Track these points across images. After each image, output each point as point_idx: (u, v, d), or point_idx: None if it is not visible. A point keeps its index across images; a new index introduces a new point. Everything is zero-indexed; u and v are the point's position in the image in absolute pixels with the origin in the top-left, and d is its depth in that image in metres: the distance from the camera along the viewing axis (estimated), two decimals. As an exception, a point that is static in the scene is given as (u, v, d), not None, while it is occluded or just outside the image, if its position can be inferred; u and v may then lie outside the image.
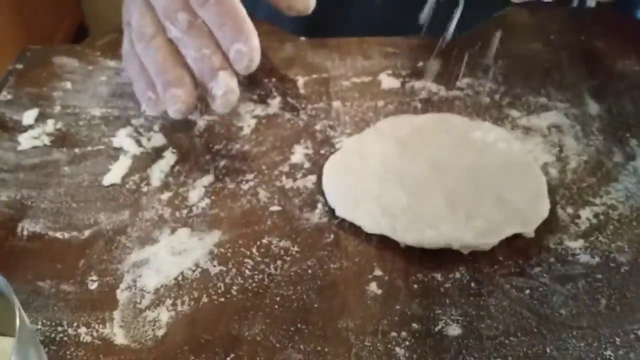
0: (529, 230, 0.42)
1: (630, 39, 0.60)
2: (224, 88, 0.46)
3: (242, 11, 0.46)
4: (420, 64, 0.57)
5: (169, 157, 0.49)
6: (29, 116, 0.53)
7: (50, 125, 0.52)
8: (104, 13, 1.73)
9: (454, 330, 0.37)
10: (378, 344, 0.36)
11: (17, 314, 0.29)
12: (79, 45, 0.61)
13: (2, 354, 0.34)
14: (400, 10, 0.61)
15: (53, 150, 0.50)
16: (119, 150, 0.50)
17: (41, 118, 0.52)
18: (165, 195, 0.46)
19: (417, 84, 0.55)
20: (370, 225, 0.42)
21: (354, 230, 0.43)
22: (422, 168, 0.45)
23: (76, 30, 1.74)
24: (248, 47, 0.45)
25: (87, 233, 0.43)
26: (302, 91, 0.55)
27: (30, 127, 0.52)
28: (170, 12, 0.47)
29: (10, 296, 0.30)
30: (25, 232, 0.43)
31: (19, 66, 0.59)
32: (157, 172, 0.48)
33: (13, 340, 0.31)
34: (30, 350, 0.30)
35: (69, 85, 0.56)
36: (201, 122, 0.52)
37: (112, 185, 0.47)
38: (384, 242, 0.42)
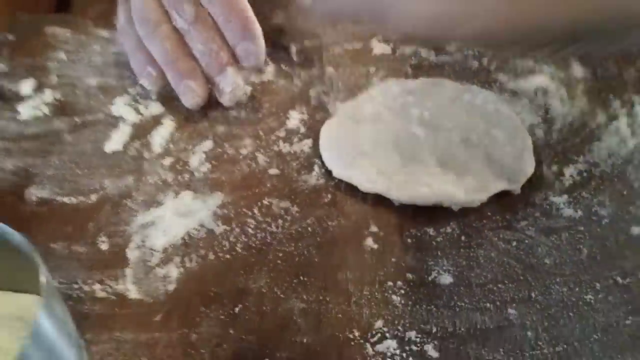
0: (516, 187, 0.46)
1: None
2: (232, 84, 0.51)
3: (249, 9, 0.51)
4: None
5: (168, 124, 0.53)
6: (26, 86, 0.56)
7: (48, 95, 0.55)
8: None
9: (446, 279, 0.41)
10: (376, 293, 0.41)
11: (41, 269, 0.32)
12: (71, 15, 0.64)
13: (26, 310, 0.38)
14: None
15: (53, 119, 0.53)
16: (118, 118, 0.53)
17: (39, 88, 0.56)
18: (167, 161, 0.49)
19: (408, 50, 0.59)
20: (366, 184, 0.46)
21: (350, 190, 0.47)
22: (414, 130, 0.49)
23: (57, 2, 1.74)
24: (255, 46, 0.51)
25: (93, 197, 0.47)
26: (295, 58, 0.59)
27: (29, 97, 0.55)
28: (176, 1, 0.50)
29: (32, 253, 0.34)
30: (33, 198, 0.47)
31: (11, 36, 0.62)
32: (158, 138, 0.51)
33: (36, 297, 0.35)
34: (56, 305, 0.34)
35: (63, 55, 0.59)
36: (198, 90, 0.55)
37: (114, 152, 0.50)
38: (379, 201, 0.46)
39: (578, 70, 0.57)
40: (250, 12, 0.51)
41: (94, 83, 0.57)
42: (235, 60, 0.52)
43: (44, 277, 0.32)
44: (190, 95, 0.51)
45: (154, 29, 0.51)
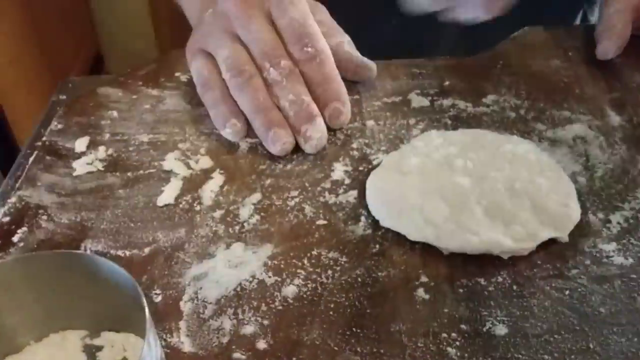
0: (563, 235, 0.44)
1: (643, 52, 0.63)
2: (321, 132, 0.52)
3: (338, 75, 0.55)
4: (447, 82, 0.60)
5: (218, 178, 0.51)
6: (80, 143, 0.55)
7: (101, 151, 0.54)
8: (119, 42, 1.78)
9: (501, 330, 0.39)
10: (430, 345, 0.38)
11: (146, 310, 0.31)
12: (121, 76, 0.64)
13: (133, 349, 0.37)
14: (415, 29, 0.65)
15: (107, 174, 0.52)
16: (169, 172, 0.52)
17: (92, 145, 0.55)
18: (218, 213, 0.48)
19: (446, 102, 0.58)
20: (415, 233, 0.44)
21: (398, 239, 0.45)
22: (459, 180, 0.47)
23: (93, 60, 1.78)
24: (345, 108, 0.54)
25: (147, 250, 0.45)
26: (336, 112, 0.57)
27: (83, 153, 0.54)
28: (272, 57, 0.53)
29: (137, 290, 0.33)
30: (88, 252, 0.46)
31: (62, 97, 0.62)
32: (208, 192, 0.50)
33: (126, 334, 0.37)
34: (156, 337, 0.33)
35: (115, 113, 0.59)
36: (244, 145, 0.54)
37: (166, 205, 0.49)
38: (428, 250, 0.44)
39: (614, 118, 0.55)
40: (339, 76, 0.55)
41: (146, 139, 0.56)
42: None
43: (147, 310, 0.31)
44: (280, 142, 0.52)
45: (247, 80, 0.53)
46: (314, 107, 0.53)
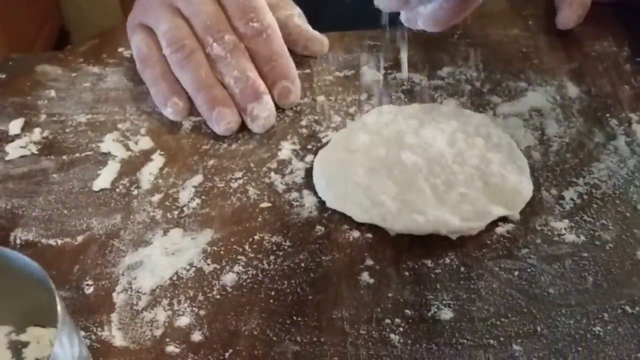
0: (514, 213, 0.42)
1: (605, 21, 0.61)
2: (268, 111, 0.49)
3: (287, 51, 0.52)
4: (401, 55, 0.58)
5: (158, 160, 0.49)
6: (15, 126, 0.53)
7: (37, 133, 0.52)
8: (84, 17, 1.72)
9: (446, 314, 0.37)
10: (373, 332, 0.37)
11: (57, 300, 0.29)
12: (61, 53, 0.61)
13: (45, 345, 0.35)
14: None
15: (41, 158, 0.50)
16: (107, 155, 0.50)
17: (27, 127, 0.53)
18: (156, 197, 0.46)
19: (399, 75, 0.56)
20: (360, 214, 0.43)
21: (344, 221, 0.44)
22: (408, 157, 0.45)
23: (57, 36, 1.72)
24: (294, 87, 0.51)
25: (80, 239, 0.43)
26: (286, 87, 0.55)
27: (17, 136, 0.52)
28: (215, 31, 0.51)
29: (49, 285, 0.31)
30: (18, 241, 0.43)
31: (2, 75, 0.59)
32: (147, 174, 0.48)
33: (53, 330, 0.34)
34: (73, 335, 0.31)
35: (53, 93, 0.56)
36: (187, 124, 0.52)
37: (102, 190, 0.47)
38: (374, 231, 0.43)
39: (572, 89, 0.54)
40: (288, 53, 0.52)
41: (84, 120, 0.53)
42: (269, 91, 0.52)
43: (60, 307, 0.29)
44: (225, 121, 0.49)
45: (188, 55, 0.51)
46: (261, 84, 0.51)
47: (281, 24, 0.54)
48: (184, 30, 0.52)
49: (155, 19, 0.53)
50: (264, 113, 0.50)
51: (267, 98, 0.50)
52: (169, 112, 0.51)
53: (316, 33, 0.57)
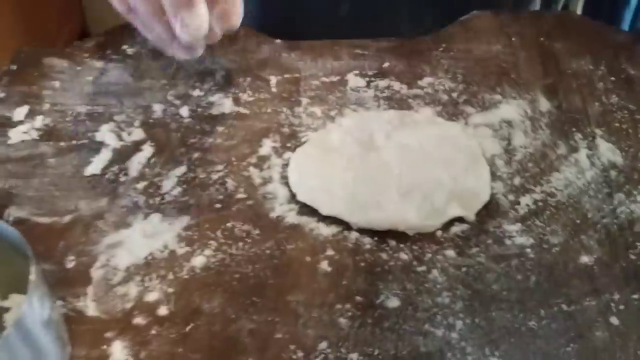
0: (470, 214, 0.45)
1: (586, 39, 0.63)
2: (199, 20, 0.45)
3: None
4: (386, 64, 0.61)
5: (147, 150, 0.52)
6: (19, 113, 0.56)
7: (39, 121, 0.55)
8: (105, 18, 1.76)
9: (393, 302, 0.40)
10: (324, 315, 0.40)
11: (33, 269, 0.32)
12: (69, 48, 0.65)
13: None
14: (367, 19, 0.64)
15: (40, 143, 0.53)
16: (101, 144, 0.53)
17: (30, 114, 0.56)
18: (141, 185, 0.49)
19: (382, 83, 0.59)
20: (326, 208, 0.45)
21: (313, 214, 0.46)
22: (378, 157, 0.48)
23: (78, 37, 1.78)
24: (236, 9, 0.47)
25: (67, 218, 0.47)
26: (274, 89, 0.58)
27: (20, 122, 0.55)
28: None
29: (27, 251, 0.34)
30: (11, 218, 0.47)
31: (13, 67, 0.63)
32: (135, 163, 0.51)
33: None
34: (45, 299, 0.34)
35: (57, 84, 0.60)
36: (179, 119, 0.55)
37: (92, 175, 0.50)
38: (339, 224, 0.45)
39: (544, 103, 0.56)
40: None
41: (83, 110, 0.57)
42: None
43: (34, 275, 0.31)
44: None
45: None
46: None
47: None
48: None
49: None
50: (194, 22, 0.45)
51: (202, 6, 0.45)
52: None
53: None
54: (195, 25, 0.45)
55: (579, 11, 0.94)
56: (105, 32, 0.68)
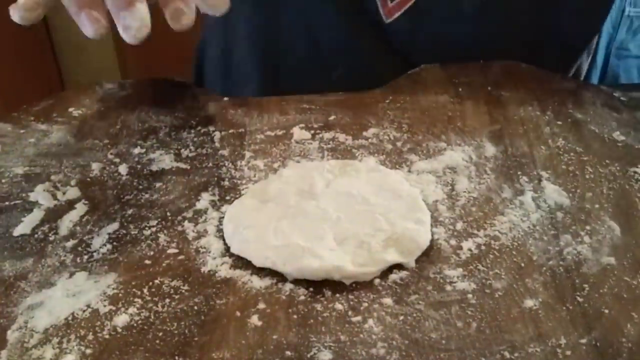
0: (409, 260, 0.43)
1: (533, 87, 0.63)
2: (140, 21, 0.44)
3: None
4: (332, 117, 0.60)
5: (80, 208, 0.50)
6: (-46, 176, 0.54)
7: (-25, 184, 0.53)
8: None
9: (325, 355, 0.37)
10: (250, 372, 0.36)
11: None
12: (16, 112, 0.64)
13: None
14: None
15: (-27, 206, 0.51)
16: (34, 203, 0.51)
17: (-33, 178, 0.54)
18: (70, 243, 0.47)
19: (327, 135, 0.57)
20: (258, 259, 0.43)
21: (246, 267, 0.44)
22: (316, 206, 0.46)
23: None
24: (188, 8, 0.46)
25: (-11, 280, 0.44)
26: (217, 144, 0.57)
27: (-45, 185, 0.53)
28: None
29: None
30: None
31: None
32: (67, 222, 0.49)
33: None
34: None
35: (-1, 147, 0.58)
36: (118, 176, 0.53)
37: (21, 235, 0.48)
38: (273, 276, 0.43)
39: (490, 149, 0.55)
40: None
41: (21, 171, 0.55)
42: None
43: None
44: (94, 24, 0.45)
45: None
46: None
47: None
48: None
49: None
50: (135, 23, 0.44)
51: (141, 6, 0.44)
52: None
53: None
54: (137, 26, 0.44)
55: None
56: (54, 96, 0.67)
